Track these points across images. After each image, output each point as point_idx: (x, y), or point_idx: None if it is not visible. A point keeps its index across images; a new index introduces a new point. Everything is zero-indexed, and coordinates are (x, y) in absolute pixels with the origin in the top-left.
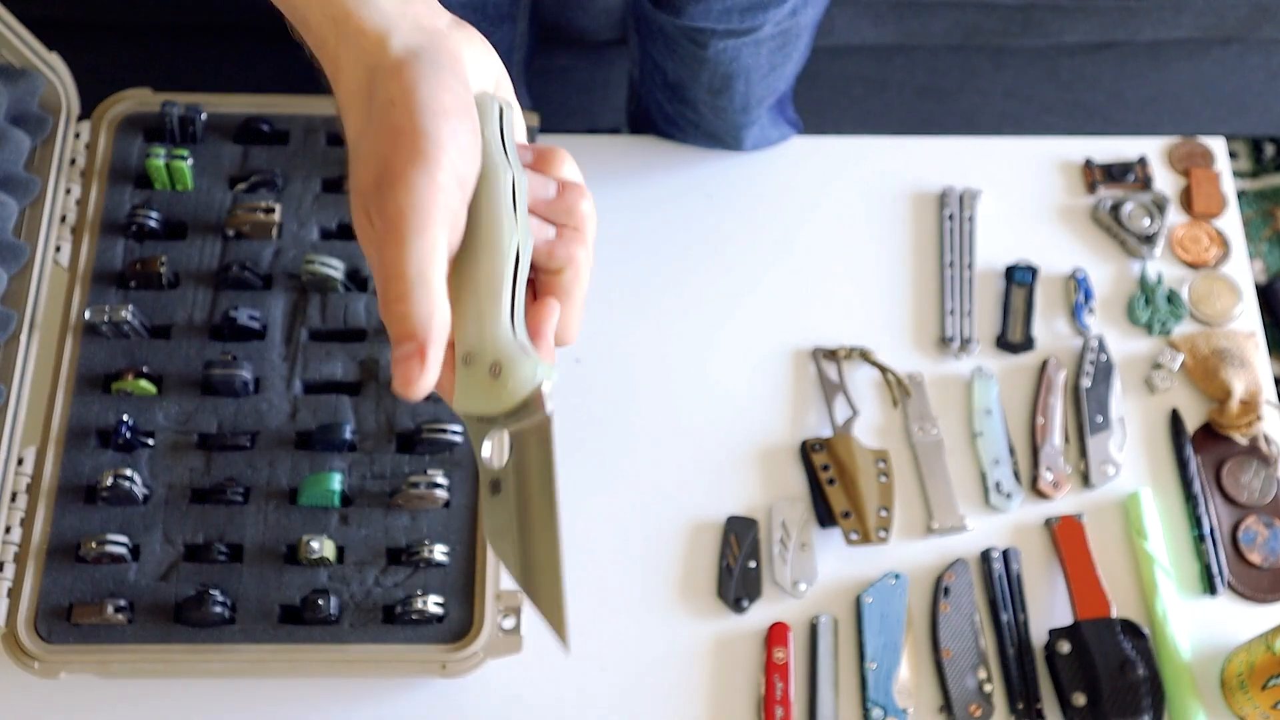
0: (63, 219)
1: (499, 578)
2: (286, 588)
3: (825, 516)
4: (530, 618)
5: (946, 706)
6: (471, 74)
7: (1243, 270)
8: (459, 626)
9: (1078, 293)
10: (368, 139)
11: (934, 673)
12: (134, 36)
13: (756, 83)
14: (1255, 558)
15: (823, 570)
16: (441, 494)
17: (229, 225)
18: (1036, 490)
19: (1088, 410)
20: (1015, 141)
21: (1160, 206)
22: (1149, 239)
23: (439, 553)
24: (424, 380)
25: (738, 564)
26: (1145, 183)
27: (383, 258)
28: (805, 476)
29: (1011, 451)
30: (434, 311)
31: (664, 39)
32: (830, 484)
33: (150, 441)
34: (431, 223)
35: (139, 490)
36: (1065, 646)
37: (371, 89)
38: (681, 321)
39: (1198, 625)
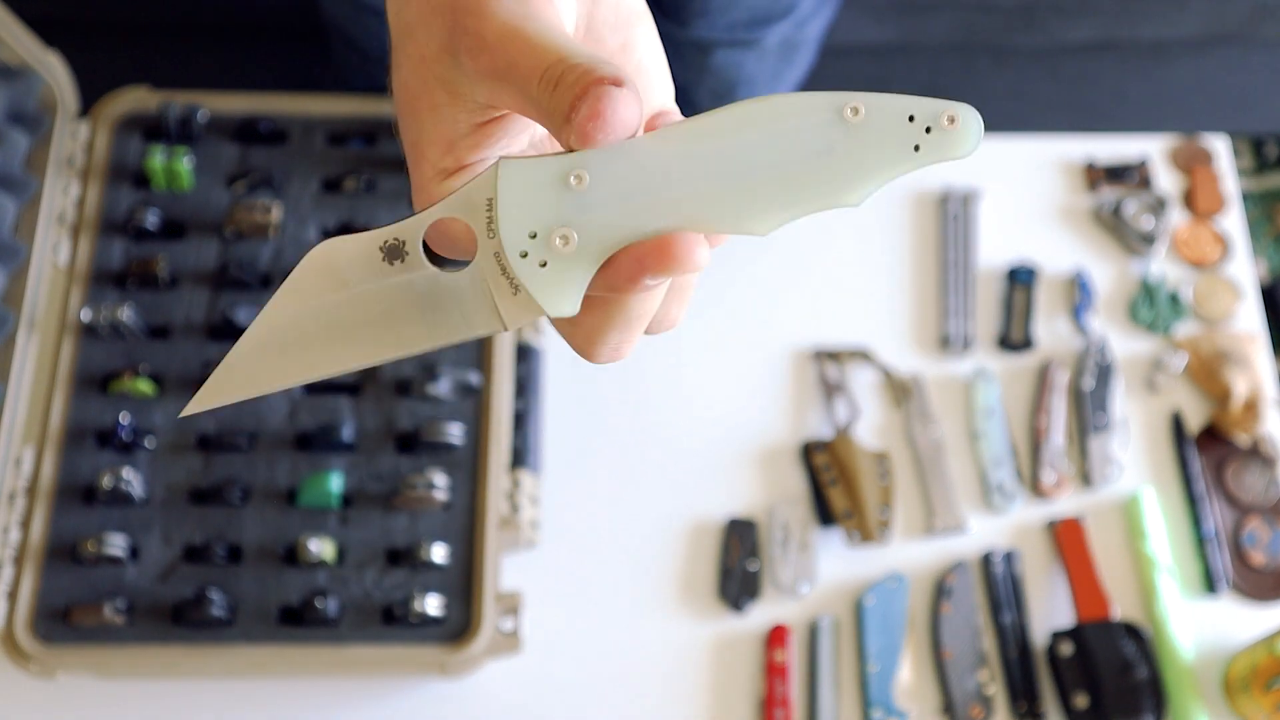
0: (61, 218)
1: (498, 578)
2: (285, 589)
3: (826, 517)
4: (529, 618)
5: (948, 708)
6: None
7: (1245, 270)
8: (458, 627)
9: (1079, 293)
10: (411, 7)
11: (935, 674)
12: (134, 35)
13: (760, 90)
14: (1257, 559)
15: (823, 571)
16: (440, 495)
17: (228, 225)
18: (1038, 491)
19: (1089, 410)
20: (1016, 141)
21: (1162, 206)
22: (1151, 238)
23: (438, 554)
24: (625, 105)
25: (738, 565)
26: (1147, 182)
27: (517, 64)
28: (806, 478)
29: (1013, 452)
30: (607, 60)
31: (669, 45)
32: (831, 485)
33: (149, 442)
34: (552, 18)
35: (137, 491)
36: (1067, 648)
37: None
38: (682, 322)
39: (1200, 627)
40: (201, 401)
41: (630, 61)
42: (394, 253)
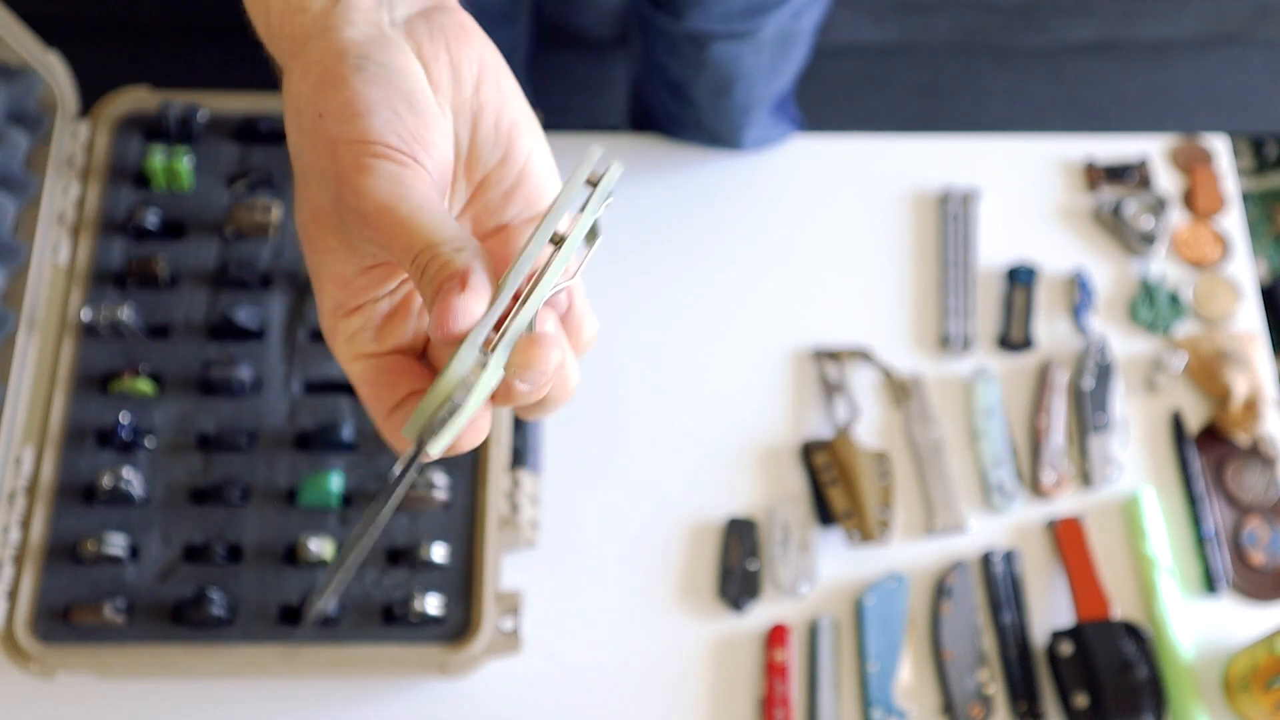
0: (60, 218)
1: (498, 578)
2: (286, 588)
3: (826, 517)
4: (529, 618)
5: (948, 708)
6: (436, 68)
7: (1245, 270)
8: (458, 627)
9: (1079, 293)
10: (305, 157)
11: (935, 674)
12: (134, 35)
13: (757, 84)
14: (1257, 559)
15: (823, 571)
16: (441, 495)
17: (228, 225)
18: (1038, 490)
19: (1089, 410)
20: (1017, 141)
21: (1162, 206)
22: (1151, 238)
23: (438, 553)
24: (468, 305)
25: (738, 565)
26: (1147, 182)
27: (392, 244)
28: (806, 477)
29: (1013, 452)
30: (465, 242)
31: (665, 40)
32: (831, 485)
33: (149, 442)
34: (424, 193)
35: (137, 491)
36: (1067, 648)
37: (298, 104)
38: (682, 322)
39: (1200, 627)
40: None
41: (510, 173)
42: None
